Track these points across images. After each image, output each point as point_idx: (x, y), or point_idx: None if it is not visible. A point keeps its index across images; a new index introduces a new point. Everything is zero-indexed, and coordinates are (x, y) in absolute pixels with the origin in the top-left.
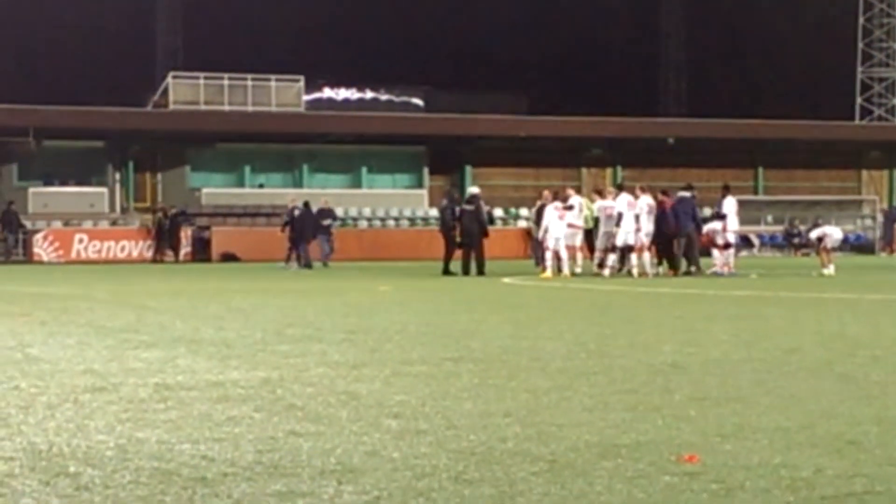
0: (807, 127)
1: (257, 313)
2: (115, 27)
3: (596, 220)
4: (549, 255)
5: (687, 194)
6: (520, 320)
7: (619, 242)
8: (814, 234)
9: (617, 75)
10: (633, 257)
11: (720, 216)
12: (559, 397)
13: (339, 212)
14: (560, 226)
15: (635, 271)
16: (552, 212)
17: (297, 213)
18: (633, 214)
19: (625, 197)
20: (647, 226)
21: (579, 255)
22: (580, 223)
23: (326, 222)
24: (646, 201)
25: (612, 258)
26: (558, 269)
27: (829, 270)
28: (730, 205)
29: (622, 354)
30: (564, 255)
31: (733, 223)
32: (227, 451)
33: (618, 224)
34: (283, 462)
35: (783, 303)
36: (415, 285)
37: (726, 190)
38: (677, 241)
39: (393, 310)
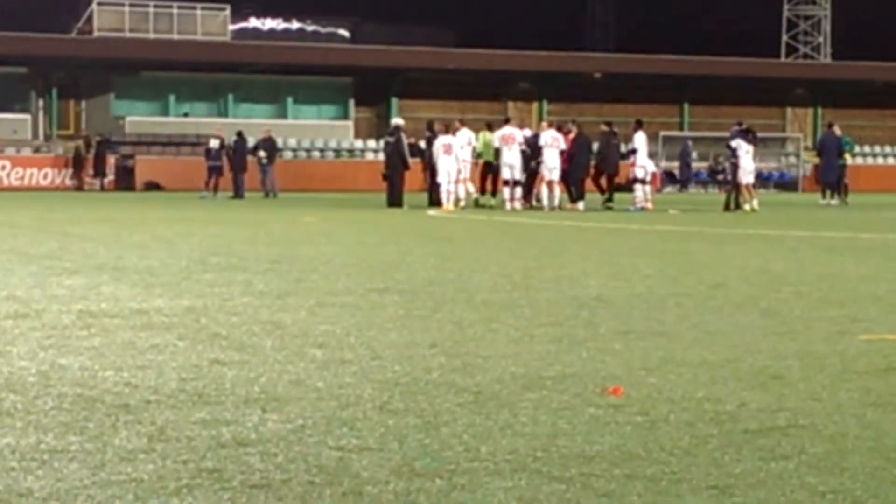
0: (733, 64)
1: (181, 242)
2: None
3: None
4: (447, 189)
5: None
6: (445, 252)
7: (505, 176)
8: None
9: (545, 9)
10: (506, 190)
11: (632, 151)
12: (485, 329)
13: None
14: (449, 160)
15: (511, 205)
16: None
17: (233, 142)
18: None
19: (504, 130)
20: (550, 161)
21: (471, 187)
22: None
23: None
24: (521, 135)
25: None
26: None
27: (753, 204)
28: (640, 140)
29: (547, 287)
30: (453, 187)
31: (643, 158)
32: (150, 378)
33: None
34: (207, 390)
35: (708, 238)
36: (340, 217)
37: (638, 125)
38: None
39: (318, 240)
